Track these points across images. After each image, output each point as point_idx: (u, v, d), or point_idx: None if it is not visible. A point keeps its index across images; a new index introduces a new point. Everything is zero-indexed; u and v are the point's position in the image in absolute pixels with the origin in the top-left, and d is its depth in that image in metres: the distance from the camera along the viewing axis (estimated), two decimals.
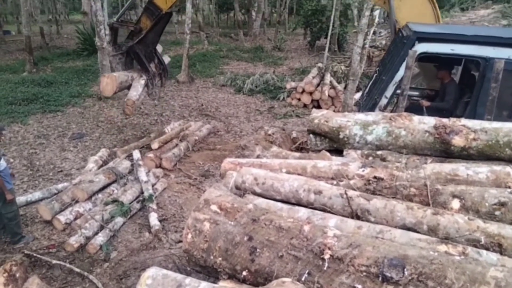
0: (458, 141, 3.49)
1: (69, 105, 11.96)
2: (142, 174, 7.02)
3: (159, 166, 7.97)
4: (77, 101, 12.38)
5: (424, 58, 5.95)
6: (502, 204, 2.08)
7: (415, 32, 5.61)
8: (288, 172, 3.16)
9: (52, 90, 13.29)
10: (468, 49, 5.53)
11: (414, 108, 6.64)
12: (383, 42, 19.74)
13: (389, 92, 5.93)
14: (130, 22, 9.10)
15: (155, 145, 8.26)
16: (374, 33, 19.13)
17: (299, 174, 3.09)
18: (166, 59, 9.47)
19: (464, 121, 3.77)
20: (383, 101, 6.02)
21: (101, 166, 7.58)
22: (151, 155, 7.94)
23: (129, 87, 8.28)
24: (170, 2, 7.90)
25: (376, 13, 11.06)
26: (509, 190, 2.15)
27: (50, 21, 27.90)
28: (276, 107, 12.82)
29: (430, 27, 6.34)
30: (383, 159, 3.81)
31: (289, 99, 13.19)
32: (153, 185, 6.97)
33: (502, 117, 5.59)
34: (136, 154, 7.71)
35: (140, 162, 7.41)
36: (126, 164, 7.35)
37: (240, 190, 2.86)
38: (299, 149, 5.56)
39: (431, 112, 5.98)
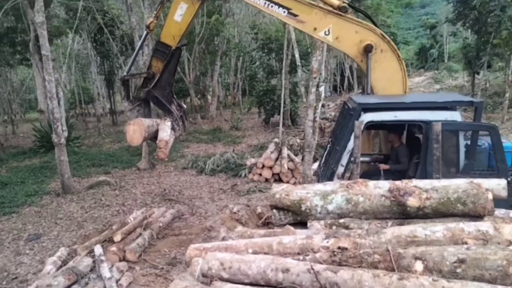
0: (412, 202, 3.59)
1: (25, 205, 11.40)
2: (105, 270, 6.60)
3: (123, 259, 7.55)
4: (34, 199, 11.84)
5: (371, 126, 6.31)
6: (462, 261, 2.11)
7: (360, 103, 5.98)
8: (254, 252, 3.09)
9: (7, 191, 12.71)
10: (409, 115, 5.94)
11: (372, 173, 6.88)
12: (332, 113, 20.77)
13: (344, 160, 6.15)
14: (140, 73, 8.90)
15: (117, 237, 7.89)
16: (323, 106, 20.17)
17: (265, 253, 3.03)
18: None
19: (415, 181, 3.91)
20: (340, 169, 6.21)
21: (60, 267, 7.08)
22: (113, 248, 7.54)
23: (156, 133, 7.87)
24: (178, 36, 7.70)
25: (322, 89, 11.78)
26: (465, 246, 2.20)
27: (6, 122, 27.50)
28: (239, 184, 12.83)
29: (373, 98, 6.81)
30: (346, 227, 3.83)
31: (250, 175, 13.29)
32: (117, 281, 6.55)
33: (451, 173, 5.88)
34: (98, 249, 7.30)
35: (103, 258, 7.01)
36: (88, 261, 6.92)
37: (208, 278, 2.75)
38: (266, 224, 5.51)
39: (389, 175, 6.21)
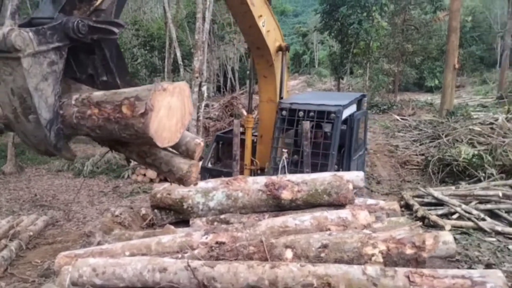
0: (286, 194, 3.78)
1: None
2: None
3: None
4: None
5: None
6: (325, 246, 2.28)
7: (337, 105, 6.88)
8: (132, 254, 2.93)
9: None
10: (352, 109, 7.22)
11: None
12: (216, 113, 20.96)
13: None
14: None
15: None
16: (207, 106, 20.22)
17: (143, 254, 2.89)
18: None
19: (289, 176, 4.14)
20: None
21: None
22: None
23: None
24: None
25: (204, 88, 11.79)
26: (328, 232, 2.38)
27: None
28: (122, 186, 12.15)
29: (316, 97, 7.85)
30: (227, 222, 3.88)
31: (134, 176, 12.68)
32: None
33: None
34: None
35: None
36: None
37: (78, 286, 2.51)
38: (151, 225, 5.31)
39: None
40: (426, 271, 1.95)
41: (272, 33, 6.84)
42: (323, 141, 7.24)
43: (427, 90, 29.56)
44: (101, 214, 9.39)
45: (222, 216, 3.95)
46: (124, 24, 2.73)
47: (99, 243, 3.44)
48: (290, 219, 2.71)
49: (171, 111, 2.08)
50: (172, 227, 3.56)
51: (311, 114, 6.72)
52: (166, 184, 4.44)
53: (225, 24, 23.06)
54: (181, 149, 2.30)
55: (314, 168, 6.49)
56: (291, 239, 2.38)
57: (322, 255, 2.26)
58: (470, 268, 6.44)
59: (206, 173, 7.42)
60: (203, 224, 3.87)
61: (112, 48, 2.54)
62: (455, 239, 7.56)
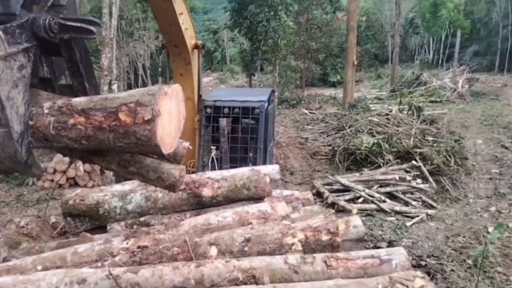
0: (206, 192, 3.78)
1: None
2: None
3: None
4: None
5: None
6: (248, 240, 2.34)
7: (261, 100, 7.16)
8: (45, 268, 2.70)
9: None
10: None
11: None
12: None
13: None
14: None
15: None
16: None
17: (59, 267, 2.68)
18: None
19: (208, 173, 4.14)
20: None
21: None
22: None
23: None
24: None
25: (115, 87, 11.21)
26: (250, 226, 2.44)
27: None
28: (26, 194, 11.07)
29: (237, 93, 8.12)
30: (147, 225, 3.75)
31: (40, 183, 11.59)
32: None
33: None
34: None
35: None
36: None
37: None
38: (63, 233, 4.93)
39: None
40: (340, 254, 2.11)
41: (189, 31, 6.80)
42: (246, 136, 7.43)
43: (331, 85, 31.49)
44: (4, 227, 8.47)
45: (142, 219, 3.81)
46: (101, 23, 2.42)
47: (5, 260, 3.11)
48: (212, 216, 2.72)
49: (170, 116, 1.96)
50: (88, 234, 3.35)
51: (236, 110, 6.86)
52: (79, 190, 4.17)
53: (134, 20, 22.08)
54: (169, 154, 2.11)
55: (244, 163, 6.65)
56: (215, 236, 2.40)
57: (246, 249, 2.31)
58: (375, 246, 7.04)
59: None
60: (122, 229, 3.70)
61: (81, 49, 2.28)
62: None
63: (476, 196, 9.16)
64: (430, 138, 10.73)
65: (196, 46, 7.09)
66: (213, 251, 2.33)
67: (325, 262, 2.05)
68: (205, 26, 58.33)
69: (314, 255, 2.14)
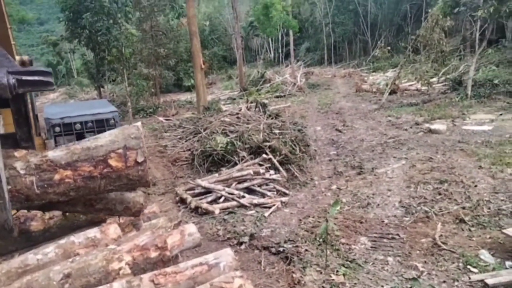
0: (36, 225, 3.30)
1: None
2: None
3: None
4: None
5: None
6: (68, 276, 2.06)
7: (112, 111, 6.63)
8: None
9: None
10: None
11: None
12: None
13: None
14: None
15: None
16: None
17: None
18: None
19: None
20: None
21: None
22: None
23: None
24: None
25: None
26: (70, 259, 2.17)
27: None
28: None
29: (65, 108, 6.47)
30: None
31: None
32: None
33: None
34: None
35: None
36: None
37: None
38: None
39: None
40: (169, 269, 2.01)
41: (14, 46, 6.17)
42: None
43: (186, 90, 31.56)
44: None
45: None
46: (50, 71, 2.18)
47: None
48: (30, 256, 2.34)
49: None
50: None
51: (89, 124, 6.33)
52: None
53: None
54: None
55: None
56: (27, 280, 2.05)
57: (66, 286, 2.03)
58: (239, 242, 7.25)
59: None
60: None
61: (26, 100, 2.29)
62: (224, 220, 8.36)
63: (320, 177, 10.19)
64: (277, 131, 11.53)
65: (22, 63, 6.39)
66: None
67: (153, 281, 1.93)
68: (42, 38, 52.62)
69: (142, 276, 1.99)
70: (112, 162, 1.99)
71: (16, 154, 2.05)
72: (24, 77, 2.03)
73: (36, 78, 2.09)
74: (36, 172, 1.95)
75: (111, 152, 2.00)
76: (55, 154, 2.02)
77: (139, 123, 2.34)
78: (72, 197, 2.09)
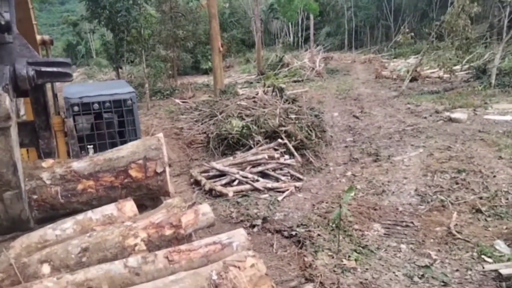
0: None
1: None
2: None
3: None
4: None
5: None
6: (85, 250, 2.14)
7: (130, 92, 6.57)
8: None
9: None
10: None
11: None
12: None
13: None
14: None
15: None
16: None
17: None
18: None
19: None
20: None
21: None
22: None
23: None
24: None
25: None
26: (88, 234, 2.24)
27: None
28: None
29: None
30: None
31: None
32: None
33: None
34: None
35: None
36: None
37: None
38: None
39: None
40: (183, 247, 2.06)
41: (36, 26, 6.30)
42: (112, 131, 6.94)
43: (203, 73, 31.51)
44: None
45: None
46: (71, 62, 2.23)
47: None
48: (49, 231, 2.42)
49: None
50: None
51: (107, 104, 6.39)
52: None
53: None
54: None
55: None
56: (47, 252, 2.13)
57: (84, 259, 2.11)
58: (251, 225, 7.33)
59: None
60: None
61: (45, 90, 2.31)
62: (237, 202, 8.43)
63: (335, 164, 10.15)
64: (293, 116, 11.48)
65: (43, 42, 6.49)
66: (46, 269, 2.07)
67: (167, 257, 1.98)
68: (63, 18, 53.04)
69: (157, 252, 2.05)
70: (133, 173, 2.09)
71: (44, 164, 2.13)
72: (43, 68, 2.07)
73: (54, 69, 2.12)
74: (61, 182, 2.04)
75: (131, 163, 2.10)
76: (79, 165, 2.13)
77: (160, 134, 2.38)
78: (94, 206, 2.18)
